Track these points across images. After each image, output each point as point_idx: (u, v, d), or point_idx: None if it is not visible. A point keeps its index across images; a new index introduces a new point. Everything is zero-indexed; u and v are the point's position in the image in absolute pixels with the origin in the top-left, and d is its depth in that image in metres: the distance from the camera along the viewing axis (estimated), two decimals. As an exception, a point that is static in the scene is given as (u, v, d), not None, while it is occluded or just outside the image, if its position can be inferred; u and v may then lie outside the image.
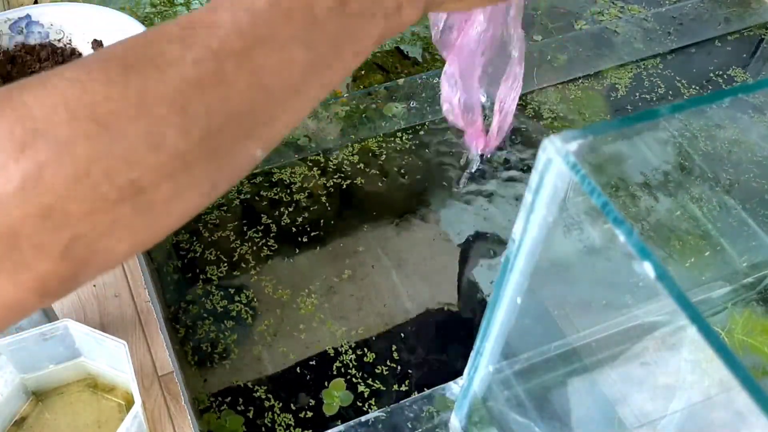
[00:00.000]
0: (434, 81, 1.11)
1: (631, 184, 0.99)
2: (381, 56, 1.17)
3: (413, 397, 0.75)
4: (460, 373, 0.71)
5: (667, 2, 1.28)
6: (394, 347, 0.85)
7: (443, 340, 0.86)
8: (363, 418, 0.73)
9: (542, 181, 0.42)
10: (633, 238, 0.35)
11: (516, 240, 0.47)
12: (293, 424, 0.79)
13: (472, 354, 0.60)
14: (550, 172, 0.41)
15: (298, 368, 0.83)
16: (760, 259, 0.90)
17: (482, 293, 0.90)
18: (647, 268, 0.35)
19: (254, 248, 0.93)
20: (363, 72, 1.14)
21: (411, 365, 0.84)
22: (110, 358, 0.66)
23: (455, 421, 0.71)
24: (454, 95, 0.66)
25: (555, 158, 0.40)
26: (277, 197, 0.98)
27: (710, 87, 1.15)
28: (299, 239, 0.94)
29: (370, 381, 0.82)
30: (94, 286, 0.77)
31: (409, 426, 0.72)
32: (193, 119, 0.29)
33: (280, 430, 0.78)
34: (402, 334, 0.86)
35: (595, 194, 0.37)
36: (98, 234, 0.28)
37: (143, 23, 0.89)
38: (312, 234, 0.94)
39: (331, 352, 0.84)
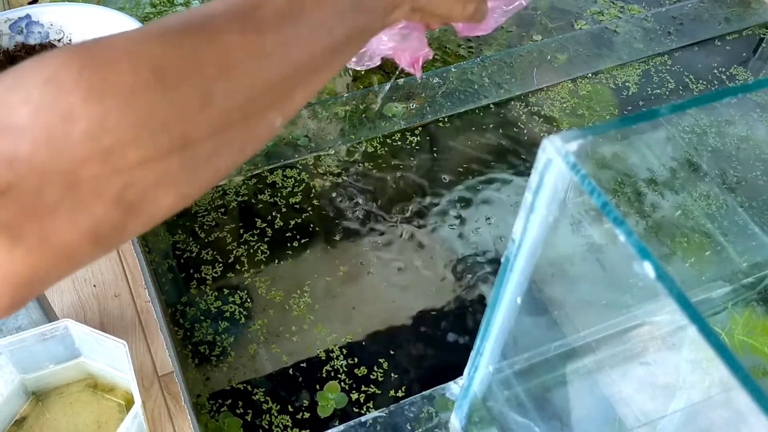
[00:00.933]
0: (434, 81, 1.11)
1: (632, 184, 0.99)
2: (381, 56, 1.17)
3: (413, 397, 0.75)
4: (459, 373, 0.71)
5: (667, 2, 1.28)
6: (391, 348, 0.85)
7: (442, 340, 0.86)
8: (363, 419, 0.73)
9: (542, 181, 0.42)
10: (633, 238, 0.35)
11: (516, 240, 0.47)
12: (290, 425, 0.79)
13: (472, 354, 0.60)
14: (550, 172, 0.41)
15: (292, 370, 0.83)
16: (760, 259, 0.89)
17: (482, 294, 0.90)
18: (647, 268, 0.34)
19: (250, 250, 0.93)
20: (363, 72, 1.14)
21: (409, 365, 0.84)
22: (110, 358, 0.66)
23: (455, 421, 0.71)
24: None
25: (555, 158, 0.40)
26: (274, 198, 0.98)
27: (716, 83, 1.15)
28: (294, 241, 0.94)
29: (364, 383, 0.82)
30: (95, 286, 0.77)
31: (409, 426, 0.72)
32: (237, 82, 0.32)
33: (277, 431, 0.78)
34: (400, 335, 0.86)
35: (595, 194, 0.37)
36: (149, 183, 0.30)
37: (143, 23, 0.89)
38: (310, 235, 0.94)
39: (323, 355, 0.84)
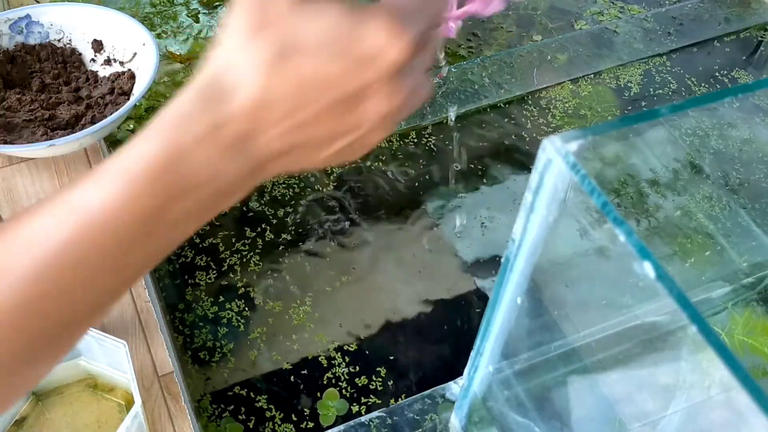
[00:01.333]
0: (433, 81, 1.11)
1: (634, 184, 0.99)
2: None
3: (413, 397, 0.75)
4: (459, 373, 0.71)
5: (667, 2, 1.28)
6: (392, 352, 0.85)
7: (443, 343, 0.86)
8: (363, 419, 0.73)
9: (542, 181, 0.42)
10: (633, 238, 0.35)
11: (516, 240, 0.47)
12: (293, 430, 0.79)
13: (472, 354, 0.60)
14: (550, 172, 0.41)
15: (292, 377, 0.83)
16: (760, 260, 0.89)
17: (482, 293, 0.90)
18: (647, 268, 0.34)
19: (244, 256, 0.93)
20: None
21: (410, 369, 0.84)
22: (110, 358, 0.66)
23: (455, 421, 0.71)
24: None
25: (555, 158, 0.40)
26: (271, 197, 0.98)
27: (718, 86, 1.15)
28: (294, 242, 0.94)
29: (365, 391, 0.82)
30: (94, 286, 0.77)
31: (409, 426, 0.72)
32: None
33: None
34: (399, 335, 0.86)
35: (594, 194, 0.37)
36: None
37: (143, 23, 0.89)
38: (309, 235, 0.94)
39: (325, 362, 0.84)
